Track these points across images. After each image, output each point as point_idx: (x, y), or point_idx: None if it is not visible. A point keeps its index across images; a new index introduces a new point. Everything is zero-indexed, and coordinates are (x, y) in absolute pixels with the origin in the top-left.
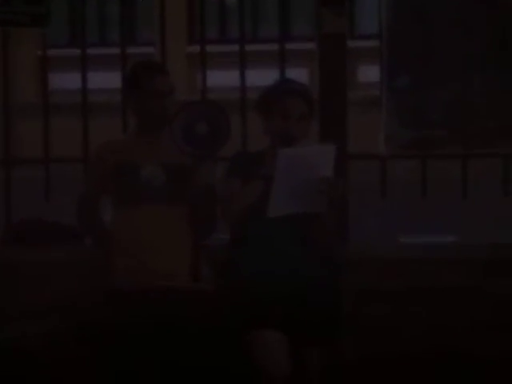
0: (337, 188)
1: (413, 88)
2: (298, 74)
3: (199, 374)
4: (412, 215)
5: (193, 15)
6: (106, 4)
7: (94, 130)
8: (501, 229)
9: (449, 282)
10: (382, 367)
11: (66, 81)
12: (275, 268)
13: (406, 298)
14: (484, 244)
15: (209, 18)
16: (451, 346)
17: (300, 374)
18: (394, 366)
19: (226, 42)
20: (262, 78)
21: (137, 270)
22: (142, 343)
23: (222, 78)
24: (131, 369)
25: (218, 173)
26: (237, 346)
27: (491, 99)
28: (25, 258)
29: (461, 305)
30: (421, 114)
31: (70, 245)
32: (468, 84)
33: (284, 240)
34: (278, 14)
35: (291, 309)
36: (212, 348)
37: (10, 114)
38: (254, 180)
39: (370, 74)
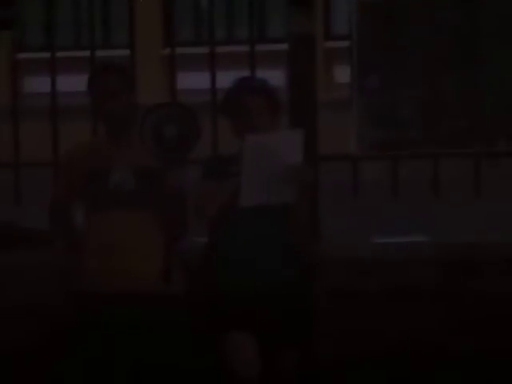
0: (305, 175)
1: (383, 88)
2: (273, 76)
3: (170, 378)
4: (384, 215)
5: (168, 17)
6: (80, 6)
7: (66, 133)
8: (473, 229)
9: (420, 281)
10: (354, 368)
11: (39, 84)
12: (248, 269)
13: (378, 298)
14: (455, 244)
15: (185, 20)
16: (425, 345)
17: (272, 374)
18: (366, 366)
19: (199, 44)
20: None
21: (108, 273)
22: (111, 346)
23: (196, 81)
24: (100, 371)
25: (188, 176)
26: (207, 349)
27: (462, 98)
28: None
29: (433, 305)
30: (391, 114)
31: (42, 248)
32: (438, 83)
33: (258, 240)
34: (248, 15)
35: (264, 309)
36: (182, 351)
37: None
38: (225, 181)
39: (344, 74)
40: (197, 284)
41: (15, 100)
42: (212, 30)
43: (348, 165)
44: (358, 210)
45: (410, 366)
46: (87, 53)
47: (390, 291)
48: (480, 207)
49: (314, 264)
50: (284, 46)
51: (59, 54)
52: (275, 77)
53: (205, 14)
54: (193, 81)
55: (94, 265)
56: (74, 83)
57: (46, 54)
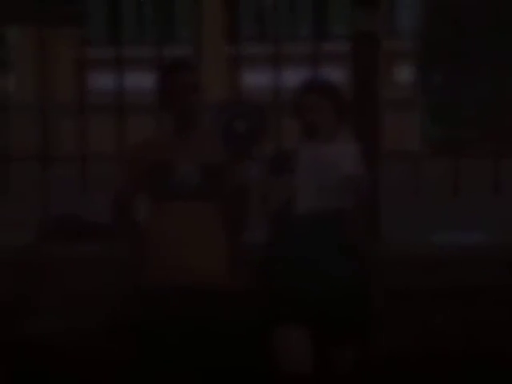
0: (362, 185)
1: (446, 87)
2: (337, 74)
3: (228, 373)
4: (445, 213)
5: (233, 15)
6: (144, 5)
7: (128, 130)
8: None
9: (480, 281)
10: (410, 365)
11: (104, 81)
12: (307, 267)
13: (438, 296)
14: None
15: (250, 19)
16: (484, 345)
17: (328, 372)
18: (422, 363)
19: (263, 42)
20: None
21: (171, 267)
22: (174, 340)
23: (261, 78)
24: (162, 365)
25: (254, 171)
26: (263, 344)
27: None
28: (61, 253)
29: (492, 304)
30: (454, 113)
31: (105, 241)
32: (501, 83)
33: (316, 238)
34: (313, 16)
35: (320, 306)
36: (240, 346)
37: (49, 113)
38: (287, 176)
39: (406, 73)
40: (258, 280)
41: (82, 97)
42: (276, 27)
43: (410, 164)
44: (420, 208)
45: (468, 363)
46: (151, 49)
47: (451, 290)
48: None
49: (372, 264)
50: (347, 46)
51: (124, 51)
52: (339, 75)
53: (269, 12)
54: (257, 78)
55: (158, 258)
56: (138, 79)
57: (108, 51)
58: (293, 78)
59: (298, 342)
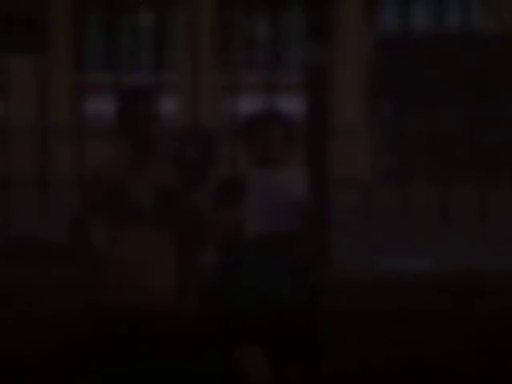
0: (309, 210)
1: (397, 115)
2: (292, 103)
3: None
4: (394, 239)
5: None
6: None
7: (93, 152)
8: (478, 254)
9: (426, 305)
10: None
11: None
12: (259, 288)
13: (386, 319)
14: (461, 270)
15: None
16: (429, 366)
17: None
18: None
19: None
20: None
21: (126, 288)
22: (126, 359)
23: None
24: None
25: (206, 197)
26: (220, 364)
27: (468, 130)
28: (18, 275)
29: (437, 329)
30: (404, 141)
31: (65, 262)
32: (446, 115)
33: (268, 261)
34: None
35: (273, 327)
36: (196, 366)
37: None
38: (238, 204)
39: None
40: (210, 302)
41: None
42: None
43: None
44: (370, 233)
45: None
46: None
47: (394, 313)
48: (487, 233)
49: (322, 286)
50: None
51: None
52: (292, 103)
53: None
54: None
55: (111, 279)
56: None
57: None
58: (247, 105)
59: (253, 363)
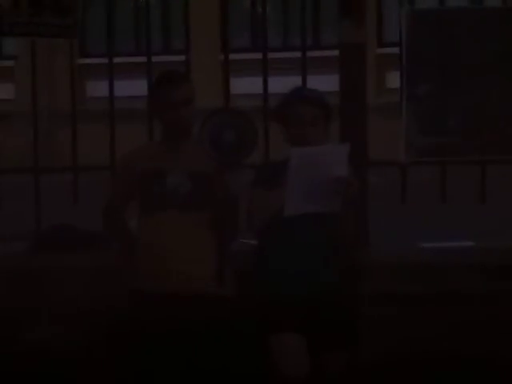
0: (352, 187)
1: (432, 95)
2: (325, 81)
3: (219, 378)
4: (431, 221)
5: (225, 23)
6: (140, 13)
7: (124, 136)
8: None
9: (468, 286)
10: (399, 371)
11: (101, 89)
12: (297, 272)
13: (426, 302)
14: (500, 248)
15: (243, 26)
16: (470, 350)
17: (318, 376)
18: (410, 369)
19: (254, 50)
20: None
21: (162, 274)
22: (164, 346)
23: (253, 85)
24: (151, 370)
25: (243, 181)
26: (257, 350)
27: (508, 107)
28: (54, 263)
29: (479, 309)
30: (440, 121)
31: (97, 250)
32: (485, 92)
33: (306, 244)
34: (300, 23)
35: (312, 312)
36: (232, 352)
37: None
38: (276, 189)
39: (396, 80)
40: (247, 286)
41: (74, 105)
42: (265, 36)
43: (397, 170)
44: (407, 214)
45: (453, 370)
46: (145, 58)
47: (437, 296)
48: None
49: (361, 269)
50: (336, 53)
51: (118, 60)
52: (327, 82)
53: (259, 21)
54: (249, 86)
55: (148, 266)
56: (133, 88)
57: (104, 60)
58: (283, 85)
59: (292, 348)
